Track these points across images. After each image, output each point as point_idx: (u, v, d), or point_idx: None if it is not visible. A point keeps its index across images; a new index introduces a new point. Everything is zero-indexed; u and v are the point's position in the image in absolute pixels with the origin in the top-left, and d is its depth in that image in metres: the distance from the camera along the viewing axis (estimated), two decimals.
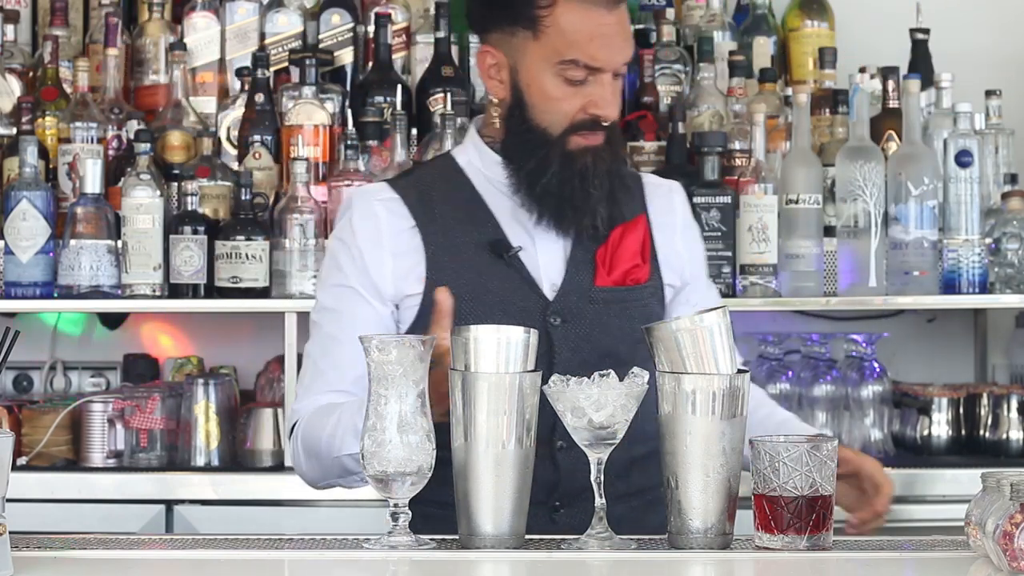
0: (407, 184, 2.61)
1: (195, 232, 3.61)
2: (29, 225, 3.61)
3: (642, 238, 2.57)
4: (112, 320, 4.12)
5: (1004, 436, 3.72)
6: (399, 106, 3.79)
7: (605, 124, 2.49)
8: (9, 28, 3.98)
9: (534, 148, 2.51)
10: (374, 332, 2.38)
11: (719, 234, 3.59)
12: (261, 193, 3.72)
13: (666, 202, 2.66)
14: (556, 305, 2.52)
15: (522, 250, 2.54)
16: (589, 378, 2.11)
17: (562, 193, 2.51)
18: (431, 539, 2.15)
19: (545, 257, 2.55)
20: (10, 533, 1.95)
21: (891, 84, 3.82)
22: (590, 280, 2.54)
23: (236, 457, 3.69)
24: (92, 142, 3.74)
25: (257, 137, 3.77)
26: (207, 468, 3.63)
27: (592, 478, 2.13)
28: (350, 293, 2.53)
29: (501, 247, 2.53)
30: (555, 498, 2.47)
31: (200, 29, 3.98)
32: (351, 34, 3.98)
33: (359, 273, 2.53)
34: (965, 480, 3.41)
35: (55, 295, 3.63)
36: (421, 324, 2.48)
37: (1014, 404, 3.72)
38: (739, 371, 2.14)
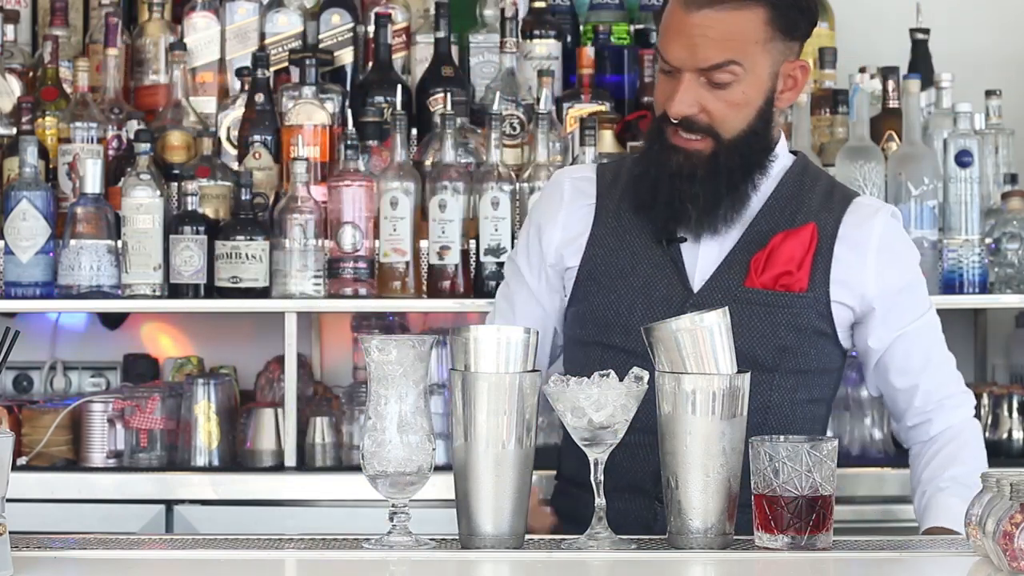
0: (611, 165, 2.75)
1: (195, 232, 3.61)
2: (29, 225, 3.61)
3: (806, 247, 2.55)
4: (112, 320, 4.12)
5: (1004, 436, 3.72)
6: (399, 106, 3.79)
7: (676, 121, 2.51)
8: (9, 28, 3.98)
9: (648, 137, 2.65)
10: (522, 311, 2.68)
11: None
12: (261, 193, 3.72)
13: (864, 219, 2.60)
14: (698, 298, 2.54)
15: (684, 242, 2.57)
16: (589, 378, 2.11)
17: (651, 185, 2.58)
18: (431, 539, 2.15)
19: (705, 253, 2.58)
20: (10, 533, 1.95)
21: (891, 84, 3.82)
22: (740, 280, 2.55)
23: (236, 457, 3.69)
24: (92, 142, 3.74)
25: (257, 137, 3.77)
26: (207, 468, 3.63)
27: (592, 478, 2.13)
28: (515, 269, 2.74)
29: (663, 234, 2.58)
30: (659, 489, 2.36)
31: (200, 29, 3.98)
32: (351, 34, 3.98)
33: (526, 248, 2.72)
34: None
35: (55, 295, 3.63)
36: (578, 294, 2.64)
37: (1014, 404, 3.72)
38: (739, 371, 2.14)
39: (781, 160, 2.64)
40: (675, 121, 2.52)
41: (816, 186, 2.64)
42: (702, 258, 2.58)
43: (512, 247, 3.59)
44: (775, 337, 2.52)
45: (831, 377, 2.64)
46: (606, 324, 2.59)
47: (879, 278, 2.58)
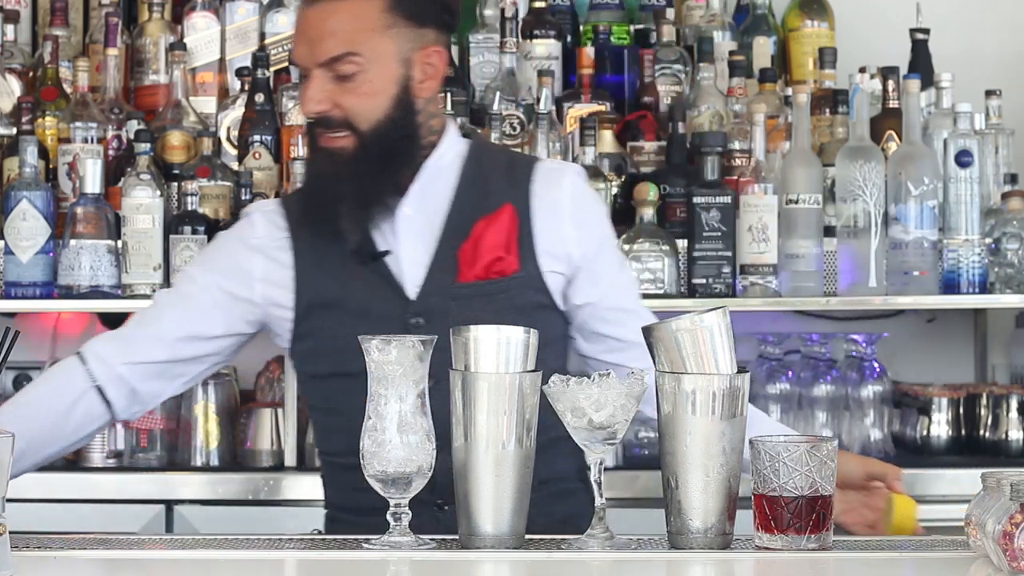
0: (294, 196, 2.75)
1: (195, 232, 3.61)
2: (29, 225, 3.61)
3: (507, 229, 2.55)
4: (112, 320, 4.12)
5: (1004, 436, 3.72)
6: None
7: (312, 120, 2.52)
8: (9, 28, 3.98)
9: (307, 147, 2.66)
10: (216, 314, 2.61)
11: (719, 234, 3.59)
12: (261, 193, 3.72)
13: (552, 186, 2.61)
14: (417, 306, 2.54)
15: (388, 254, 2.56)
16: (589, 378, 2.11)
17: (307, 192, 2.61)
18: (431, 539, 2.15)
19: (409, 259, 2.57)
20: (10, 533, 1.94)
21: (891, 84, 3.82)
22: (452, 277, 2.55)
23: (236, 457, 3.69)
24: (92, 142, 3.74)
25: (257, 137, 3.77)
26: (207, 468, 3.63)
27: (592, 478, 2.13)
28: (208, 281, 2.64)
29: (364, 254, 2.56)
30: (437, 495, 2.39)
31: (200, 29, 3.98)
32: None
33: (225, 263, 2.65)
34: (965, 480, 3.41)
35: (55, 295, 3.63)
36: (301, 331, 2.60)
37: (1014, 404, 3.72)
38: (739, 371, 2.14)
39: (455, 148, 2.63)
40: (311, 120, 2.54)
41: (497, 164, 2.64)
42: (409, 265, 2.56)
43: None
44: (500, 323, 2.42)
45: (560, 345, 2.63)
46: (339, 353, 2.53)
47: (579, 238, 2.60)
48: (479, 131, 2.72)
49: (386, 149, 2.53)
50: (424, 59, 2.55)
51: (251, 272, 2.62)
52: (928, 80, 3.90)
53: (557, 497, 2.51)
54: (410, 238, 2.57)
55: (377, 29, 2.50)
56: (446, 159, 2.61)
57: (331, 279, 2.58)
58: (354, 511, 2.56)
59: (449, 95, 3.80)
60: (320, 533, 2.68)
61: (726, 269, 3.61)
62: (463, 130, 2.73)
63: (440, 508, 2.44)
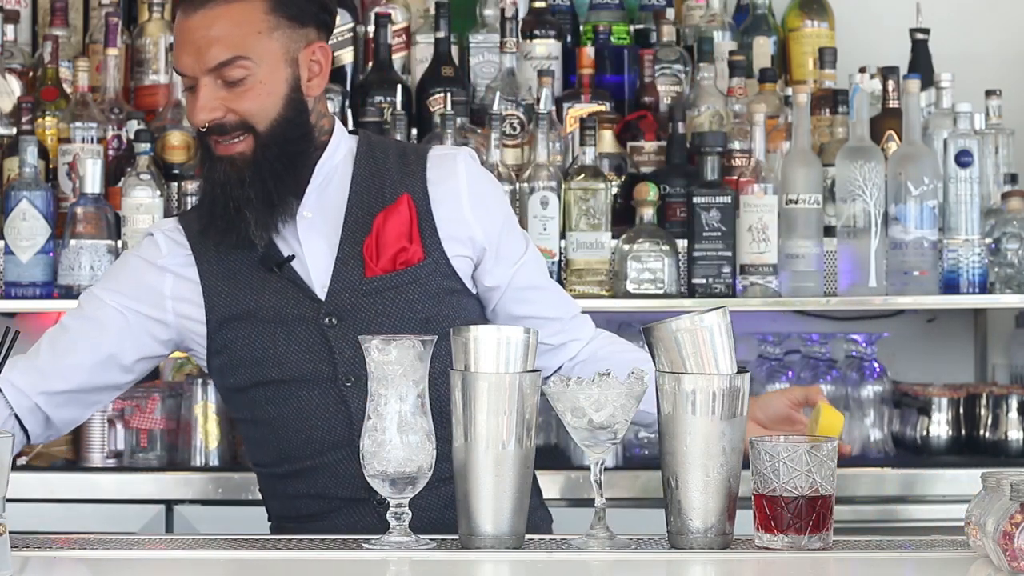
0: (192, 212, 2.72)
1: None
2: (29, 225, 3.61)
3: (407, 219, 2.56)
4: None
5: (1004, 436, 3.72)
6: (399, 106, 3.79)
7: (205, 129, 2.51)
8: (9, 28, 3.98)
9: (201, 159, 2.62)
10: (112, 336, 2.58)
11: (719, 234, 3.59)
12: None
13: (447, 172, 2.61)
14: (328, 305, 2.54)
15: (293, 259, 2.56)
16: (589, 378, 2.11)
17: (209, 203, 2.57)
18: (431, 539, 2.15)
19: (315, 261, 2.57)
20: (10, 533, 1.95)
21: (891, 84, 3.82)
22: (360, 273, 2.54)
23: (236, 457, 3.69)
24: (92, 142, 3.74)
25: None
26: (207, 468, 3.63)
27: (592, 478, 2.13)
28: (114, 302, 2.61)
29: (270, 261, 2.56)
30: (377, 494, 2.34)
31: None
32: (351, 34, 3.98)
33: (127, 284, 2.62)
34: (965, 480, 3.41)
35: (55, 295, 3.63)
36: (216, 346, 2.59)
37: (1014, 404, 3.72)
38: (739, 371, 2.14)
39: (345, 145, 2.63)
40: (204, 129, 2.51)
41: (389, 156, 2.63)
42: (315, 267, 2.56)
43: None
44: (414, 313, 2.51)
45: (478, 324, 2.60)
46: (256, 363, 2.55)
47: (480, 221, 2.60)
48: (359, 131, 2.70)
49: (285, 150, 2.53)
50: (309, 57, 2.55)
51: (162, 291, 2.61)
52: (928, 80, 3.90)
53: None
54: (313, 240, 2.57)
55: (263, 31, 2.50)
56: (338, 157, 2.61)
57: (240, 290, 2.57)
58: (297, 519, 2.57)
59: (449, 95, 3.80)
60: None
61: (726, 269, 3.61)
62: (348, 128, 2.72)
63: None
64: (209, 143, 2.54)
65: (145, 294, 2.61)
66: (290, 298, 2.55)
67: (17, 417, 2.59)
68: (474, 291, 2.63)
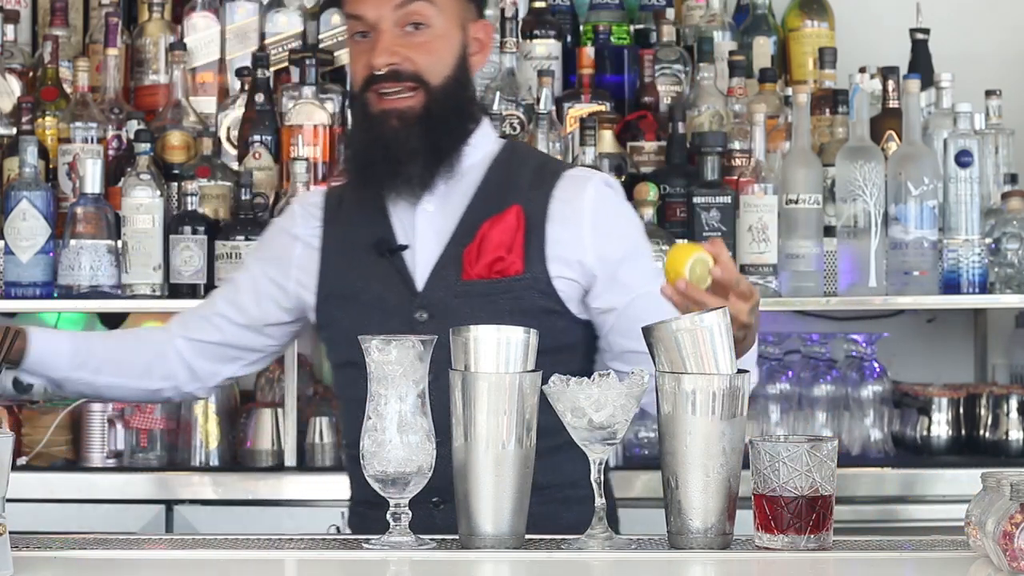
0: (338, 187, 2.77)
1: (195, 232, 3.61)
2: (29, 225, 3.61)
3: (512, 230, 2.55)
4: (112, 320, 4.12)
5: (1004, 436, 3.72)
6: None
7: (380, 73, 2.52)
8: (9, 28, 3.98)
9: (355, 118, 2.67)
10: (247, 298, 2.71)
11: (719, 234, 3.59)
12: (261, 193, 3.72)
13: (574, 192, 2.59)
14: (422, 300, 2.56)
15: (406, 249, 2.58)
16: (589, 378, 2.11)
17: (364, 160, 2.59)
18: (431, 539, 2.15)
19: (423, 254, 2.59)
20: (10, 533, 1.94)
21: (891, 84, 3.82)
22: (458, 275, 2.55)
23: (236, 457, 3.69)
24: (92, 142, 3.74)
25: (257, 137, 3.77)
26: (207, 468, 3.63)
27: (592, 478, 2.13)
28: (252, 267, 2.76)
29: (383, 246, 2.59)
30: (434, 494, 2.36)
31: (200, 29, 3.98)
32: None
33: (266, 258, 2.74)
34: (965, 480, 3.41)
35: (55, 295, 3.63)
36: (322, 319, 2.66)
37: (1014, 404, 3.72)
38: (739, 371, 2.14)
39: (486, 147, 2.63)
40: (381, 73, 2.52)
41: (525, 166, 2.63)
42: (422, 260, 2.58)
43: None
44: (502, 323, 2.44)
45: (576, 351, 2.59)
46: (349, 344, 2.50)
47: (596, 247, 2.57)
48: (507, 138, 2.70)
49: (452, 109, 2.55)
50: (475, 32, 2.59)
51: (289, 259, 2.69)
52: (928, 80, 3.89)
53: (565, 504, 2.49)
54: (427, 233, 2.59)
55: None
56: (476, 157, 2.61)
57: (350, 269, 2.61)
58: (366, 504, 2.55)
59: None
60: (338, 530, 2.69)
61: None
62: (500, 131, 2.72)
63: (436, 506, 2.44)
64: (369, 98, 2.55)
65: (275, 260, 2.70)
66: (392, 286, 2.58)
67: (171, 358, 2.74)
68: (582, 317, 2.59)
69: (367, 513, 2.55)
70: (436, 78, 2.54)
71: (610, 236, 2.59)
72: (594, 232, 2.58)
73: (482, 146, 2.63)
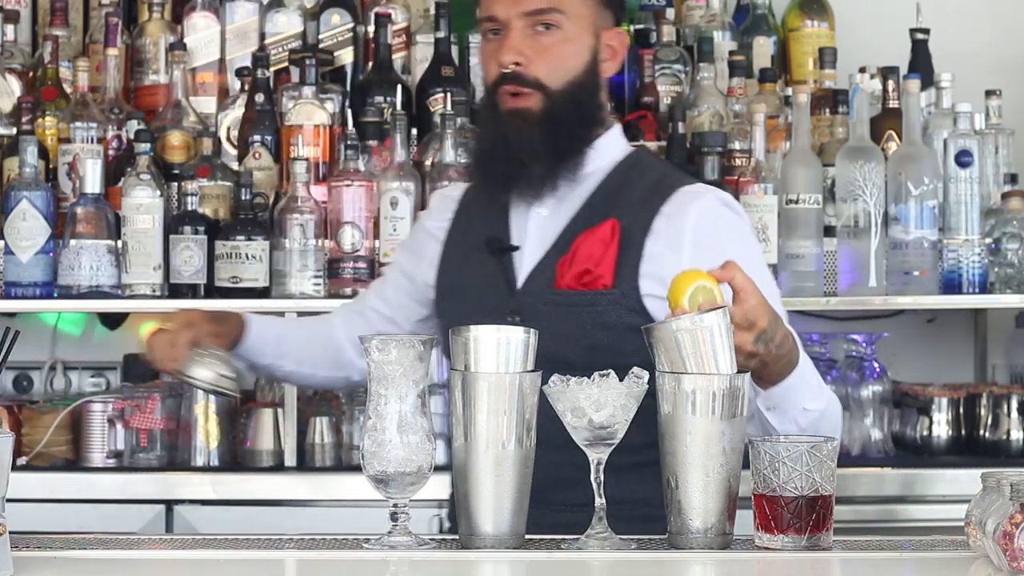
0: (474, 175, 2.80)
1: (195, 232, 3.61)
2: (29, 225, 3.61)
3: (605, 243, 2.53)
4: (112, 320, 4.12)
5: (1004, 436, 3.72)
6: (399, 106, 3.79)
7: (507, 72, 2.53)
8: (9, 28, 3.98)
9: (482, 116, 2.69)
10: (391, 291, 2.79)
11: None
12: (261, 193, 3.72)
13: (681, 208, 2.54)
14: (515, 303, 2.56)
15: (516, 250, 2.58)
16: (589, 378, 2.11)
17: (488, 158, 2.61)
18: (431, 539, 2.15)
19: (528, 258, 2.59)
20: (10, 533, 1.95)
21: (891, 84, 3.82)
22: (551, 282, 2.55)
23: (236, 457, 3.69)
24: (92, 142, 3.74)
25: (257, 137, 3.78)
26: (207, 468, 3.63)
27: (592, 478, 2.12)
28: (396, 259, 2.87)
29: (494, 244, 2.60)
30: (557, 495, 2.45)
31: (200, 29, 3.98)
32: (351, 34, 3.98)
33: (406, 249, 2.84)
34: (965, 480, 3.41)
35: (55, 295, 3.63)
36: (436, 310, 2.71)
37: (1014, 404, 3.72)
38: (739, 371, 2.14)
39: (611, 155, 2.62)
40: (506, 70, 2.54)
41: (642, 178, 2.60)
42: (526, 263, 2.59)
43: None
44: (583, 337, 2.49)
45: None
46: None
47: (692, 265, 2.43)
48: (639, 148, 2.69)
49: (574, 112, 2.55)
50: (609, 39, 2.59)
51: (423, 252, 2.74)
52: (928, 80, 3.89)
53: (637, 522, 2.45)
54: (535, 237, 2.59)
55: None
56: (599, 163, 2.60)
57: (464, 264, 2.65)
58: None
59: (449, 95, 3.80)
60: (440, 526, 2.70)
61: None
62: (633, 141, 2.72)
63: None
64: (498, 97, 2.56)
65: (412, 253, 2.78)
66: (495, 286, 2.59)
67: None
68: None
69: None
70: (558, 82, 2.54)
71: (710, 253, 2.42)
72: (693, 249, 2.50)
73: (607, 153, 2.61)
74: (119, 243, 3.62)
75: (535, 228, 2.59)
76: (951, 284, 3.64)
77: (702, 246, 2.50)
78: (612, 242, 2.53)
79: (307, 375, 2.86)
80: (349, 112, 3.81)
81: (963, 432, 3.76)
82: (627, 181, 2.59)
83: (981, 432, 3.74)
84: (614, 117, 2.67)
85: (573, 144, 2.57)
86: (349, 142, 3.66)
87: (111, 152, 3.80)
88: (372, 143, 3.76)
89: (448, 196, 2.77)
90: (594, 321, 2.51)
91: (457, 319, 2.52)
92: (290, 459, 3.62)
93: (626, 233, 2.53)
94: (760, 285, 2.32)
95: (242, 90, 3.86)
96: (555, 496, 2.44)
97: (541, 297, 2.54)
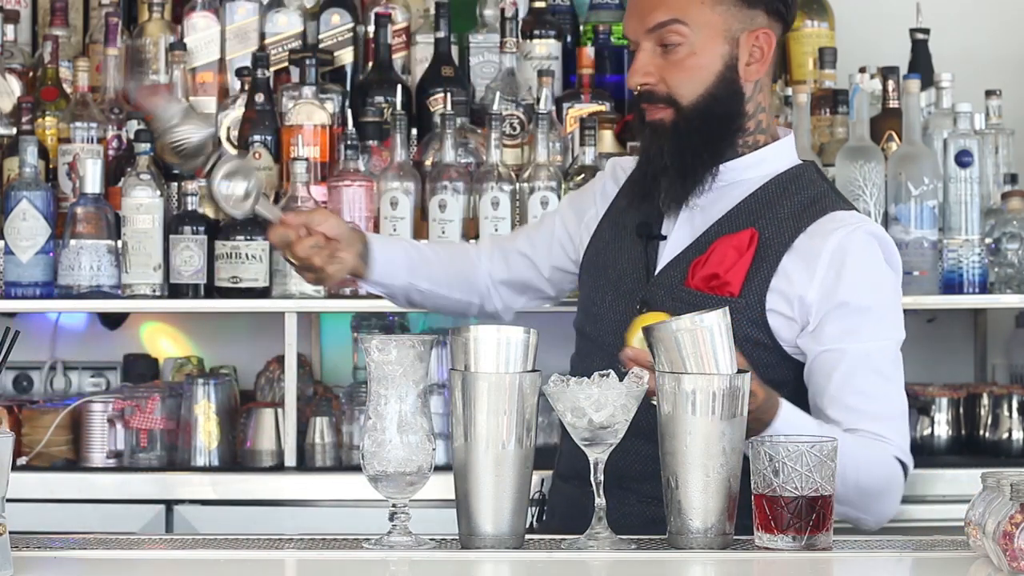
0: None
1: (195, 232, 3.61)
2: (29, 225, 3.61)
3: (740, 251, 2.51)
4: (112, 320, 4.12)
5: (1004, 436, 3.72)
6: (399, 106, 3.79)
7: (640, 92, 2.57)
8: (9, 28, 3.98)
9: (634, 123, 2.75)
10: (543, 238, 2.86)
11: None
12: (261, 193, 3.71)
13: (825, 231, 2.51)
14: (647, 292, 2.58)
15: (664, 239, 2.61)
16: (589, 378, 2.11)
17: (638, 168, 2.66)
18: (431, 539, 2.15)
19: (671, 249, 2.60)
20: (10, 533, 1.95)
21: (891, 84, 3.81)
22: (683, 279, 2.55)
23: (236, 457, 3.69)
24: (92, 142, 3.74)
25: (257, 137, 3.77)
26: (207, 468, 3.63)
27: (592, 478, 2.13)
28: (561, 208, 2.91)
29: (644, 229, 2.63)
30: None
31: (200, 29, 3.98)
32: (351, 34, 3.98)
33: (572, 204, 2.86)
34: (965, 480, 3.41)
35: (55, 295, 3.63)
36: (579, 282, 2.79)
37: (1014, 404, 3.72)
38: (739, 371, 2.14)
39: (777, 162, 2.61)
40: (636, 93, 2.58)
41: (799, 194, 2.58)
42: (667, 254, 2.60)
43: None
44: None
45: (784, 388, 2.44)
46: (586, 313, 2.67)
47: (821, 288, 2.48)
48: (808, 162, 2.70)
49: (707, 125, 2.55)
50: (752, 41, 2.57)
51: (585, 213, 2.78)
52: (928, 80, 3.89)
53: None
54: (682, 229, 2.60)
55: (705, 2, 2.54)
56: (761, 168, 2.59)
57: (612, 241, 2.67)
58: (562, 477, 2.66)
59: (449, 95, 3.80)
60: (541, 494, 2.73)
61: None
62: (803, 158, 2.68)
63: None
64: (642, 109, 2.60)
65: (578, 211, 2.81)
66: (634, 270, 2.61)
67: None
68: (797, 356, 2.52)
69: (560, 486, 2.67)
70: (688, 97, 2.55)
71: (841, 281, 2.48)
72: (827, 272, 2.49)
73: (773, 161, 2.61)
74: (119, 243, 3.62)
75: (685, 221, 2.60)
76: (951, 284, 3.63)
77: (834, 270, 2.49)
78: (748, 251, 2.51)
79: (443, 295, 2.88)
80: (349, 112, 3.80)
81: (963, 432, 3.75)
82: (783, 194, 2.58)
83: (981, 432, 3.74)
84: (784, 125, 2.68)
85: (706, 158, 2.56)
86: (349, 142, 3.66)
87: (111, 152, 3.80)
88: (372, 143, 3.76)
89: (623, 167, 2.78)
90: None
91: (594, 293, 2.65)
92: (290, 459, 3.62)
93: (766, 245, 2.52)
94: (865, 329, 2.43)
95: (242, 90, 3.86)
96: (643, 487, 2.46)
97: (671, 291, 2.55)
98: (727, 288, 2.51)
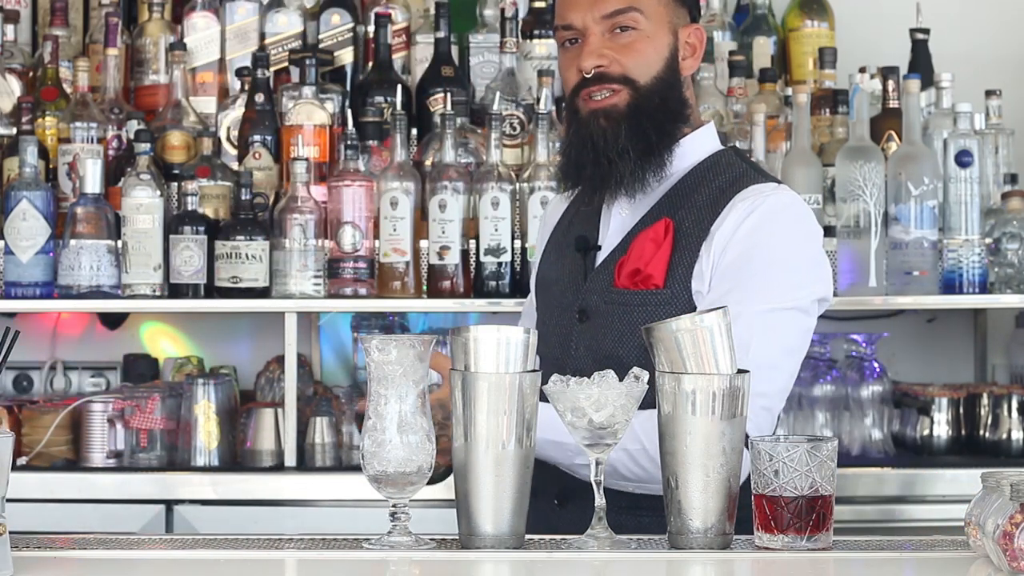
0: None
1: (195, 232, 3.61)
2: (29, 225, 3.61)
3: (658, 243, 2.52)
4: (112, 320, 4.12)
5: (1004, 436, 3.72)
6: (399, 106, 3.79)
7: (588, 76, 2.53)
8: (9, 28, 3.98)
9: (567, 124, 2.67)
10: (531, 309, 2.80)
11: None
12: (261, 193, 3.72)
13: (738, 211, 2.50)
14: (583, 300, 2.59)
15: (599, 249, 2.61)
16: (589, 378, 2.11)
17: (577, 161, 2.59)
18: (431, 539, 2.15)
19: (602, 255, 2.61)
20: (10, 533, 1.95)
21: (891, 84, 3.82)
22: (611, 281, 2.56)
23: (236, 457, 3.69)
24: (92, 142, 3.74)
25: (257, 137, 3.78)
26: (207, 468, 3.63)
27: (592, 478, 2.13)
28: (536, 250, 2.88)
29: (583, 243, 2.63)
30: (555, 493, 2.47)
31: (200, 29, 3.98)
32: (351, 34, 3.98)
33: (538, 243, 2.86)
34: (965, 480, 3.41)
35: (55, 295, 3.63)
36: (536, 308, 2.75)
37: (1014, 404, 3.72)
38: (739, 371, 2.14)
39: (698, 152, 2.61)
40: (588, 75, 2.54)
41: (717, 179, 2.58)
42: (601, 261, 2.61)
43: (512, 247, 3.61)
44: (634, 335, 2.46)
45: None
46: (539, 330, 2.58)
47: (725, 250, 2.47)
48: (729, 147, 2.69)
49: (660, 107, 2.55)
50: (686, 37, 2.59)
51: (540, 248, 2.80)
52: (928, 80, 3.90)
53: None
54: (613, 237, 2.61)
55: None
56: (684, 163, 2.59)
57: (556, 259, 2.69)
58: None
59: (449, 95, 3.80)
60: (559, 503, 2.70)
61: None
62: (723, 140, 2.68)
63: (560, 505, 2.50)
64: (579, 103, 2.57)
65: (539, 247, 2.81)
66: (573, 283, 2.62)
67: None
68: None
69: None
70: (643, 77, 2.54)
71: (743, 241, 2.47)
72: (733, 238, 2.48)
73: (692, 152, 2.60)
74: (119, 243, 3.62)
75: (615, 227, 2.61)
76: (951, 284, 3.64)
77: (741, 232, 2.48)
78: (664, 241, 2.52)
79: None
80: (349, 112, 3.81)
81: (963, 432, 3.76)
82: (700, 181, 2.58)
83: (981, 432, 3.74)
84: (706, 122, 2.66)
85: (661, 140, 2.56)
86: (349, 142, 3.66)
87: (111, 152, 3.81)
88: (372, 143, 3.76)
89: (563, 195, 2.79)
90: (645, 321, 2.47)
91: (543, 313, 2.67)
92: (290, 459, 3.62)
93: (686, 233, 2.52)
94: (765, 302, 2.41)
95: (242, 90, 3.87)
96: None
97: (603, 295, 2.56)
98: (651, 281, 2.52)
